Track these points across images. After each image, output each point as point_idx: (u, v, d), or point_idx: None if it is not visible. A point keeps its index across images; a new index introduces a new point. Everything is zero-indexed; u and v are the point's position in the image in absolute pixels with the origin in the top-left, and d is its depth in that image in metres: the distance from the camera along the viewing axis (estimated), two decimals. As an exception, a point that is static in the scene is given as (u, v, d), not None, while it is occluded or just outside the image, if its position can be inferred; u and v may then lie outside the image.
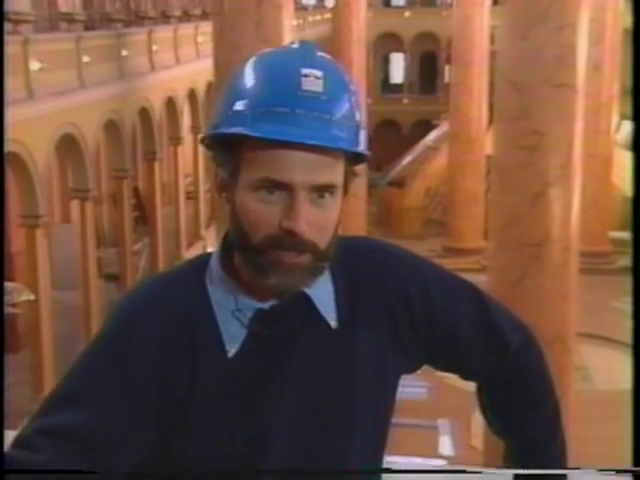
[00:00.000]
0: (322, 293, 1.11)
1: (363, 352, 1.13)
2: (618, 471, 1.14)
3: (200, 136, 1.18)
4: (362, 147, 1.06)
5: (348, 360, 1.12)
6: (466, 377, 1.26)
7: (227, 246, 1.11)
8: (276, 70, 1.04)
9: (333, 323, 1.11)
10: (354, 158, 1.07)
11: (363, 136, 1.06)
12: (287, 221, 1.01)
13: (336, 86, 1.04)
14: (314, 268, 1.05)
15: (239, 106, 1.03)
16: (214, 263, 1.12)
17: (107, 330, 1.11)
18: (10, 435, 1.09)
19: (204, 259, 1.14)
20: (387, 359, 1.15)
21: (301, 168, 1.01)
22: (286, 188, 1.02)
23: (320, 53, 1.07)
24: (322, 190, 1.03)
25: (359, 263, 1.16)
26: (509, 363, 1.22)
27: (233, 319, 1.09)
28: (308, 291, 1.09)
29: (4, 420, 0.98)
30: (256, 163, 1.03)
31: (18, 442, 1.02)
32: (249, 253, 1.05)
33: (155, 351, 1.07)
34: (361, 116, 1.07)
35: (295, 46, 1.07)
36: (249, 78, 1.05)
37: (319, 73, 1.02)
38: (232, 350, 1.08)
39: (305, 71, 1.02)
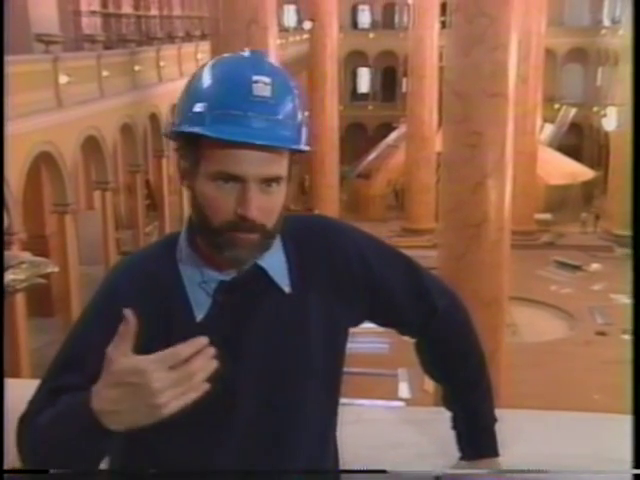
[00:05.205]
0: (275, 264, 1.07)
1: (314, 311, 1.09)
2: (618, 473, 1.11)
3: (163, 132, 1.08)
4: (303, 143, 1.02)
5: (302, 319, 1.09)
6: (401, 333, 1.24)
7: (191, 226, 1.06)
8: (230, 76, 0.99)
9: (287, 289, 1.07)
10: (297, 149, 1.03)
11: (305, 133, 1.02)
12: (241, 208, 0.99)
13: (282, 90, 1.00)
14: (262, 244, 1.03)
15: (198, 108, 0.98)
16: (182, 241, 1.08)
17: (94, 303, 1.08)
18: (34, 384, 1.06)
19: (174, 237, 1.09)
20: (334, 315, 1.11)
21: (252, 163, 0.98)
22: (239, 179, 0.99)
23: (268, 60, 1.03)
24: (270, 181, 1.00)
25: (309, 237, 1.12)
26: (437, 323, 1.20)
27: (200, 290, 1.05)
28: (263, 264, 1.06)
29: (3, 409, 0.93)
30: (214, 158, 0.99)
31: (33, 407, 1.01)
32: (209, 234, 1.02)
33: (136, 316, 0.98)
34: (304, 115, 1.02)
35: (246, 54, 1.02)
36: (207, 82, 1.00)
37: (268, 79, 0.98)
38: (200, 316, 1.04)
39: (255, 78, 0.97)
